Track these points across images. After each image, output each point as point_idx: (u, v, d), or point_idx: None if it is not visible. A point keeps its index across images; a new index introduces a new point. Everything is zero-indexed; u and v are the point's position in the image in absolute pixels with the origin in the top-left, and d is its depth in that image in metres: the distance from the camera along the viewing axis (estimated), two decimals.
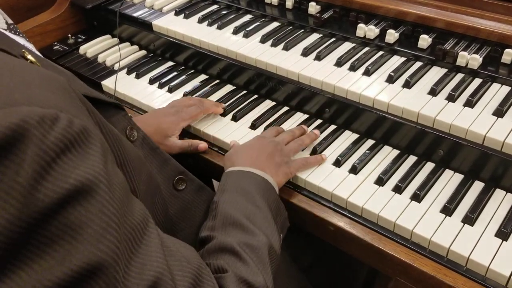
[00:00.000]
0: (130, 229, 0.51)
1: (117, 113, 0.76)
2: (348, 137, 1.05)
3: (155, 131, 1.03)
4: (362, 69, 1.09)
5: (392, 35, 1.14)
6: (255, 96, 1.21)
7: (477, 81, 1.02)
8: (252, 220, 0.76)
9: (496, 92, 0.99)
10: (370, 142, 1.03)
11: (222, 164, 1.04)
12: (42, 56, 0.69)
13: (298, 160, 0.98)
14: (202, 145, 1.08)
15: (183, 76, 1.31)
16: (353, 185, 0.93)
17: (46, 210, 0.44)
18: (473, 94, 0.97)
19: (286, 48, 1.19)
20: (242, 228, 0.74)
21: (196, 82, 1.30)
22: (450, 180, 0.93)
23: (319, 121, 1.11)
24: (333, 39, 1.21)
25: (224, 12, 1.40)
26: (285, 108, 1.16)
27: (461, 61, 1.04)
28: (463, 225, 0.83)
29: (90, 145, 0.49)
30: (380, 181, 0.93)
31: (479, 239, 0.81)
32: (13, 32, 0.69)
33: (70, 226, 0.45)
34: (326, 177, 0.95)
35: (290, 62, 1.15)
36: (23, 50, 0.59)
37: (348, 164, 0.98)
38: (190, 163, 1.11)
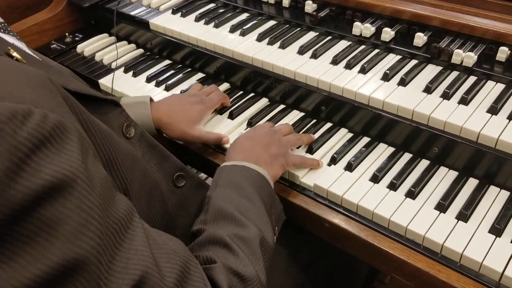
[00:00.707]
0: (113, 223, 0.50)
1: (113, 109, 0.75)
2: (344, 135, 1.06)
3: (183, 117, 1.03)
4: (358, 67, 1.10)
5: (388, 33, 1.15)
6: (252, 94, 1.22)
7: (472, 79, 1.03)
8: (244, 213, 0.76)
9: (491, 90, 1.00)
10: (365, 140, 1.04)
11: (219, 162, 1.05)
12: (32, 54, 0.69)
13: (295, 155, 0.98)
14: (226, 138, 1.07)
15: (180, 75, 1.32)
16: (349, 182, 0.93)
17: (20, 207, 0.43)
18: (467, 92, 0.98)
19: (282, 47, 1.20)
20: (233, 221, 0.74)
21: (193, 80, 1.30)
22: (444, 177, 0.93)
23: (315, 119, 1.11)
24: (329, 38, 1.22)
25: (221, 10, 1.40)
26: (282, 106, 1.17)
27: (456, 59, 1.05)
28: (457, 222, 0.84)
29: (67, 140, 0.48)
30: (375, 178, 0.93)
31: (472, 235, 0.81)
32: (2, 31, 0.69)
33: (46, 223, 0.45)
34: (321, 174, 0.96)
35: (287, 60, 1.15)
36: (8, 48, 0.59)
37: (343, 162, 0.98)
38: (187, 160, 1.12)
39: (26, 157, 0.44)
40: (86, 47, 1.47)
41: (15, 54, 0.59)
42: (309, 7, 1.29)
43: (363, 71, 1.08)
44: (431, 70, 1.07)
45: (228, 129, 1.10)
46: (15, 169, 0.43)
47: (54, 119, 0.48)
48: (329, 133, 1.06)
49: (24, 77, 0.51)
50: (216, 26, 1.32)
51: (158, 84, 1.29)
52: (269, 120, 1.12)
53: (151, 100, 1.05)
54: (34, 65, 0.62)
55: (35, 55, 0.71)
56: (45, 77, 0.55)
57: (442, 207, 0.86)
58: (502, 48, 1.03)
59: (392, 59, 1.12)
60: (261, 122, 1.11)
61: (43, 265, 0.44)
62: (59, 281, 0.45)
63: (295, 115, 1.14)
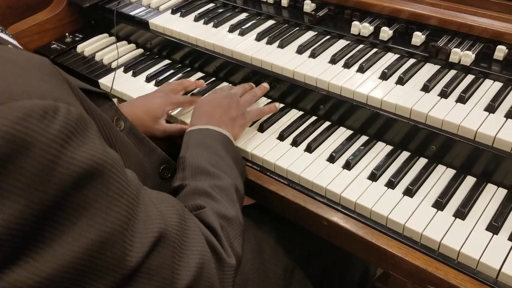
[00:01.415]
0: (131, 194, 0.57)
1: (104, 103, 0.79)
2: (342, 133, 1.06)
3: (145, 112, 1.07)
4: (356, 66, 1.10)
5: (386, 33, 1.15)
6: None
7: (470, 78, 1.03)
8: (217, 167, 0.85)
9: (488, 88, 1.00)
10: (364, 138, 1.04)
11: None
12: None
13: (253, 110, 1.07)
14: (185, 126, 1.11)
15: (180, 74, 1.33)
16: (347, 180, 0.94)
17: (61, 193, 0.49)
18: (465, 90, 0.98)
19: (281, 46, 1.20)
20: (209, 174, 0.83)
21: (192, 80, 1.30)
22: (442, 175, 0.94)
23: (313, 118, 1.12)
24: (327, 37, 1.22)
25: (220, 10, 1.41)
26: (281, 105, 1.17)
27: (454, 57, 1.05)
28: (455, 219, 0.84)
29: (89, 130, 0.53)
30: (373, 177, 0.94)
31: (470, 233, 0.82)
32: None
33: (83, 206, 0.51)
34: (320, 172, 0.96)
35: (285, 59, 1.16)
36: (9, 46, 0.61)
37: (342, 160, 0.99)
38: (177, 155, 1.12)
39: (61, 149, 0.49)
40: (86, 47, 1.48)
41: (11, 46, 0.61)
42: (308, 6, 1.30)
43: (361, 70, 1.09)
44: (429, 69, 1.08)
45: None
46: (53, 160, 0.48)
47: (75, 112, 0.52)
48: (328, 131, 1.07)
49: (35, 69, 0.55)
50: (215, 25, 1.33)
51: (157, 84, 1.30)
52: (268, 119, 1.12)
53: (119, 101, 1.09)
54: None
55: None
56: (50, 64, 0.58)
57: (439, 204, 0.87)
58: (499, 47, 1.03)
59: (390, 58, 1.13)
60: (259, 121, 1.11)
61: (84, 240, 0.51)
62: (99, 251, 0.52)
63: (293, 114, 1.14)
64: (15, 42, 0.71)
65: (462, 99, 0.97)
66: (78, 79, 0.84)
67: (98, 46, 1.49)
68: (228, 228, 0.74)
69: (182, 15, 1.40)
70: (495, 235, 0.81)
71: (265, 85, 1.14)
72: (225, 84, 1.27)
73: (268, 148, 1.04)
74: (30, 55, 0.58)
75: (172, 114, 1.15)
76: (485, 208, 0.86)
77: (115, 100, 1.03)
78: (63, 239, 0.50)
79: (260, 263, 0.98)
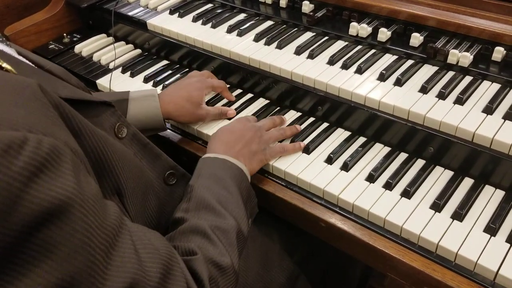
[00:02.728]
0: (105, 236, 0.52)
1: (105, 110, 0.76)
2: (340, 135, 1.06)
3: (187, 101, 1.08)
4: (354, 68, 1.10)
5: (384, 34, 1.15)
6: (249, 94, 1.22)
7: (468, 79, 1.03)
8: (224, 205, 0.80)
9: (486, 90, 1.00)
10: (361, 140, 1.04)
11: None
12: (22, 59, 0.69)
13: (275, 147, 1.01)
14: (231, 111, 1.13)
15: (178, 75, 1.32)
16: (345, 182, 0.94)
17: (20, 233, 0.45)
18: (463, 92, 0.98)
19: (279, 47, 1.20)
20: (214, 211, 0.79)
21: None
22: (440, 176, 0.94)
23: (311, 119, 1.12)
24: (326, 38, 1.22)
25: (219, 11, 1.41)
26: (278, 107, 1.17)
27: (452, 59, 1.05)
28: (452, 221, 0.84)
29: (61, 163, 0.49)
30: (371, 178, 0.94)
31: (467, 234, 0.82)
32: None
33: (44, 246, 0.46)
34: (318, 174, 0.96)
35: (283, 60, 1.15)
36: None
37: (339, 161, 0.99)
38: (184, 160, 1.13)
39: (24, 186, 0.45)
40: (84, 48, 1.48)
41: (4, 64, 0.59)
42: (306, 7, 1.30)
43: (360, 71, 1.08)
44: (427, 70, 1.08)
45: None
46: (13, 199, 0.44)
47: (48, 143, 0.49)
48: (326, 133, 1.07)
49: (14, 94, 0.52)
50: (214, 26, 1.33)
51: (155, 84, 1.29)
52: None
53: None
54: (24, 72, 0.62)
55: (26, 60, 0.71)
56: (36, 86, 0.55)
57: (437, 206, 0.87)
58: (497, 48, 1.03)
59: (388, 59, 1.13)
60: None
61: (41, 286, 0.46)
62: None
63: (292, 115, 1.14)
64: (9, 50, 0.69)
65: (460, 101, 0.97)
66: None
67: (96, 47, 1.49)
68: (219, 278, 0.70)
69: (180, 16, 1.40)
70: (492, 237, 0.81)
71: (298, 127, 1.07)
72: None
73: None
74: (15, 77, 0.56)
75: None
76: (483, 209, 0.86)
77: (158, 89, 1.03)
78: (23, 283, 0.45)
79: (266, 272, 0.97)
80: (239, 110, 1.16)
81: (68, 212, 0.48)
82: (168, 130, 1.16)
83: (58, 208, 0.47)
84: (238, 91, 1.24)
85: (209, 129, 1.11)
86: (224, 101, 1.21)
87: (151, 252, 0.60)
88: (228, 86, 1.26)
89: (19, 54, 0.72)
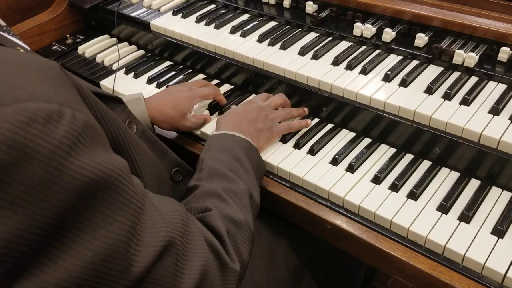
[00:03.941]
0: (137, 203, 0.56)
1: (116, 106, 0.78)
2: (345, 136, 1.06)
3: (173, 109, 1.07)
4: (358, 68, 1.10)
5: (388, 34, 1.14)
6: (253, 95, 1.21)
7: (473, 79, 1.03)
8: (235, 172, 0.84)
9: (492, 90, 1.00)
10: (367, 141, 1.04)
11: None
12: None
13: (282, 124, 1.04)
14: (208, 117, 1.14)
15: (181, 76, 1.32)
16: (350, 183, 0.93)
17: (65, 203, 0.47)
18: (469, 93, 0.98)
19: (283, 48, 1.20)
20: (225, 177, 0.82)
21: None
22: (446, 178, 0.93)
23: (316, 120, 1.11)
24: (330, 38, 1.22)
25: (222, 11, 1.40)
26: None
27: (457, 59, 1.05)
28: (459, 223, 0.84)
29: (95, 138, 0.52)
30: (377, 180, 0.93)
31: (475, 236, 0.81)
32: (6, 33, 0.70)
33: (87, 217, 0.49)
34: (323, 175, 0.96)
35: (287, 61, 1.15)
36: (18, 48, 0.60)
37: (345, 163, 0.98)
38: (188, 161, 1.12)
39: (66, 154, 0.47)
40: (87, 49, 1.48)
41: (22, 51, 0.61)
42: (310, 7, 1.29)
43: (364, 72, 1.08)
44: (432, 71, 1.07)
45: None
46: (59, 167, 0.46)
47: (81, 118, 0.50)
48: (330, 134, 1.06)
49: (42, 72, 0.53)
50: (217, 27, 1.32)
51: (159, 86, 1.29)
52: None
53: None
54: None
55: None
56: (58, 68, 0.57)
57: (444, 208, 0.86)
58: (503, 48, 1.02)
59: (393, 59, 1.12)
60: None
61: (88, 253, 0.49)
62: (101, 264, 0.51)
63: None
64: (24, 45, 0.70)
65: (466, 101, 0.96)
66: None
67: (99, 48, 1.49)
68: (236, 232, 0.73)
69: (184, 16, 1.39)
70: (500, 239, 0.80)
71: (305, 109, 1.10)
72: (227, 86, 1.26)
73: (271, 151, 1.03)
74: (38, 58, 0.57)
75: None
76: (490, 211, 0.86)
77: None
78: (67, 253, 0.48)
79: (273, 268, 0.97)
80: None
81: (106, 183, 0.51)
82: (174, 133, 1.15)
83: (97, 180, 0.49)
84: (242, 92, 1.23)
85: (206, 127, 1.10)
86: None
87: (172, 212, 0.63)
88: (231, 87, 1.26)
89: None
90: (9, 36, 0.68)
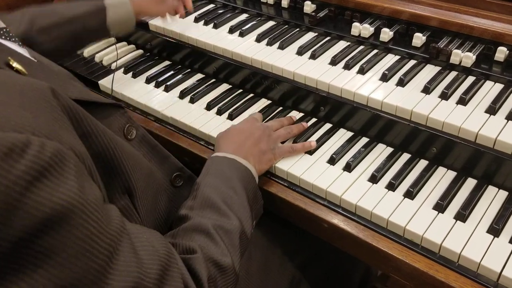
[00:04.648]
0: (107, 242, 0.52)
1: (115, 112, 0.77)
2: (342, 135, 1.06)
3: None
4: (356, 68, 1.10)
5: (386, 34, 1.15)
6: (251, 94, 1.22)
7: (471, 79, 1.03)
8: (229, 205, 0.80)
9: (489, 90, 1.00)
10: (364, 140, 1.04)
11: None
12: (34, 60, 0.69)
13: (284, 146, 1.01)
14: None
15: (180, 75, 1.32)
16: (347, 182, 0.94)
17: (19, 238, 0.44)
18: (466, 92, 0.98)
19: (281, 47, 1.20)
20: (218, 211, 0.78)
21: (192, 81, 1.30)
22: (443, 177, 0.94)
23: (314, 120, 1.12)
24: (328, 38, 1.22)
25: (220, 11, 1.41)
26: (281, 107, 1.17)
27: (454, 59, 1.05)
28: (455, 222, 0.84)
29: (64, 168, 0.49)
30: (374, 179, 0.94)
31: (471, 235, 0.82)
32: (3, 37, 0.69)
33: (44, 253, 0.46)
34: (320, 174, 0.96)
35: (285, 61, 1.15)
36: (9, 58, 0.59)
37: (342, 162, 0.99)
38: (187, 161, 1.12)
39: (24, 190, 0.45)
40: (85, 48, 1.48)
41: (15, 64, 0.59)
42: (308, 7, 1.30)
43: (362, 71, 1.08)
44: (430, 71, 1.07)
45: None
46: (13, 203, 0.44)
47: (51, 147, 0.48)
48: (328, 133, 1.06)
49: (22, 96, 0.52)
50: (216, 26, 1.33)
51: (157, 85, 1.29)
52: (268, 120, 1.12)
53: None
54: (36, 72, 0.62)
55: (36, 60, 0.71)
56: (44, 91, 0.55)
57: (440, 207, 0.86)
58: (500, 48, 1.03)
59: (390, 59, 1.12)
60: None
61: None
62: None
63: (294, 116, 1.14)
64: (22, 51, 0.70)
65: (463, 101, 0.97)
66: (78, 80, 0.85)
67: (98, 47, 1.49)
68: (218, 277, 0.70)
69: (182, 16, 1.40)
70: (496, 238, 0.81)
71: (304, 124, 1.07)
72: (225, 85, 1.27)
73: None
74: (22, 79, 0.55)
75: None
76: (486, 210, 0.86)
77: None
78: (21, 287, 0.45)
79: (267, 276, 0.97)
80: (240, 110, 1.16)
81: (69, 219, 0.48)
82: (171, 131, 1.16)
83: (59, 215, 0.47)
84: (240, 91, 1.24)
85: (210, 129, 1.11)
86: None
87: (150, 253, 0.60)
88: (230, 86, 1.26)
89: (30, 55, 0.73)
90: (5, 42, 0.68)
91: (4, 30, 0.70)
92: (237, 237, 0.76)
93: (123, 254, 0.54)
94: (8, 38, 0.70)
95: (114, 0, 1.18)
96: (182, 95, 1.23)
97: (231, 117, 1.14)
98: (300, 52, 1.17)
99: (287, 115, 1.12)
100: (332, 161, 0.99)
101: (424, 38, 1.12)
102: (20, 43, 0.72)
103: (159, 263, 0.60)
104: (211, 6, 1.45)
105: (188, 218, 0.77)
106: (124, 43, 1.50)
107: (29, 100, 0.52)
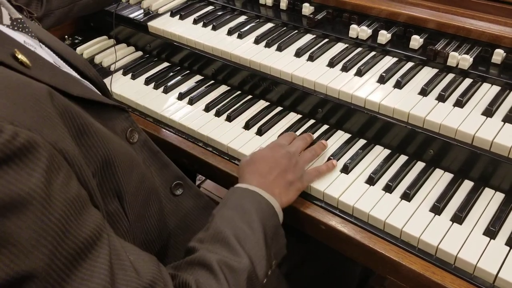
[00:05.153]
0: (73, 243, 0.51)
1: (119, 115, 0.77)
2: (340, 137, 1.07)
3: None
4: (354, 70, 1.10)
5: (384, 36, 1.15)
6: (249, 96, 1.22)
7: (467, 81, 1.03)
8: (241, 242, 0.74)
9: (486, 92, 1.00)
10: (361, 142, 1.04)
11: (216, 164, 1.06)
12: (42, 55, 0.69)
13: (311, 171, 0.95)
14: None
15: (179, 77, 1.33)
16: (345, 184, 0.94)
17: None
18: (463, 94, 0.99)
19: (279, 49, 1.21)
20: (228, 247, 0.73)
21: (191, 82, 1.31)
22: (440, 179, 0.94)
23: (311, 121, 1.12)
24: (326, 40, 1.23)
25: (219, 13, 1.41)
26: (279, 108, 1.17)
27: (451, 61, 1.05)
28: (452, 224, 0.85)
29: (33, 159, 0.49)
30: (371, 181, 0.94)
31: (467, 237, 0.82)
32: (16, 28, 0.68)
33: (2, 236, 0.46)
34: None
35: (284, 62, 1.16)
36: (15, 49, 0.60)
37: (340, 164, 0.99)
38: (185, 162, 1.13)
39: None
40: (85, 50, 1.48)
41: (20, 56, 0.59)
42: (306, 9, 1.30)
43: (360, 73, 1.09)
44: (427, 73, 1.08)
45: (225, 131, 1.11)
46: None
47: (26, 137, 0.49)
48: (326, 135, 1.07)
49: (10, 89, 0.52)
50: (214, 28, 1.33)
51: (156, 86, 1.30)
52: (266, 122, 1.12)
53: None
54: (39, 67, 0.62)
55: (47, 56, 0.71)
56: (43, 89, 0.56)
57: (437, 209, 0.87)
58: (497, 50, 1.03)
59: (388, 61, 1.13)
60: (258, 125, 1.11)
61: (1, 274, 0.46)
62: None
63: (292, 117, 1.14)
64: (32, 42, 0.69)
65: (459, 103, 0.97)
66: None
67: (97, 49, 1.49)
68: None
69: (181, 18, 1.40)
70: (492, 240, 0.81)
71: (324, 142, 1.02)
72: (224, 87, 1.27)
73: None
74: (19, 78, 0.56)
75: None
76: (483, 212, 0.86)
77: None
78: None
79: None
80: (239, 111, 1.17)
81: (25, 209, 0.47)
82: (170, 133, 1.16)
83: (15, 203, 0.47)
84: (238, 92, 1.24)
85: (209, 131, 1.11)
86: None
87: (128, 276, 0.56)
88: (228, 88, 1.27)
89: (41, 42, 0.73)
90: (17, 33, 0.67)
91: (19, 20, 0.69)
92: (244, 277, 0.70)
93: (93, 263, 0.53)
94: (21, 30, 0.69)
95: None
96: (181, 97, 1.24)
97: (229, 119, 1.15)
98: (298, 54, 1.18)
99: (307, 133, 1.06)
100: None
101: (421, 40, 1.12)
102: (33, 34, 0.71)
103: (139, 287, 0.57)
104: (210, 8, 1.45)
105: (195, 251, 0.73)
106: (124, 44, 1.50)
107: (16, 94, 0.52)
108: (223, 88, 1.27)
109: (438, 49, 1.07)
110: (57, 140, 0.54)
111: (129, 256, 0.59)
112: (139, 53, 1.47)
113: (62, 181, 0.52)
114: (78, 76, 0.76)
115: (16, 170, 0.47)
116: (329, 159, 1.00)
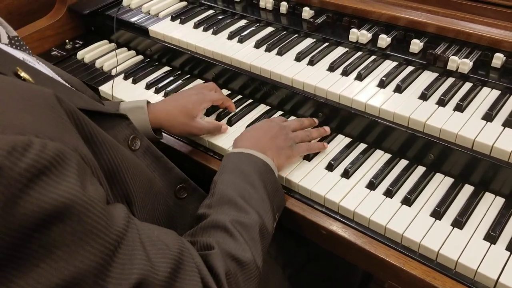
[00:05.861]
0: (111, 237, 0.54)
1: (120, 122, 0.78)
2: (340, 141, 1.07)
3: (180, 112, 1.05)
4: (354, 74, 1.11)
5: (384, 40, 1.15)
6: (250, 100, 1.23)
7: (468, 86, 1.04)
8: (247, 200, 0.80)
9: (486, 96, 1.01)
10: (362, 146, 1.05)
11: (217, 168, 1.06)
12: (43, 70, 0.70)
13: (301, 144, 1.01)
14: (225, 126, 1.13)
15: (180, 81, 1.33)
16: (345, 189, 0.94)
17: (19, 233, 0.46)
18: (463, 99, 0.99)
19: (280, 53, 1.21)
20: (236, 206, 0.78)
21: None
22: (440, 184, 0.94)
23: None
24: (326, 44, 1.23)
25: (220, 17, 1.41)
26: (279, 113, 1.18)
27: (451, 65, 1.06)
28: (453, 229, 0.85)
29: (66, 167, 0.51)
30: (372, 185, 0.94)
31: (468, 242, 0.82)
32: (14, 46, 0.70)
33: (45, 247, 0.48)
34: (318, 181, 0.97)
35: (284, 67, 1.16)
36: (17, 68, 0.60)
37: (340, 168, 0.99)
38: (186, 167, 1.13)
39: (24, 187, 0.46)
40: (86, 54, 1.49)
41: (23, 74, 0.61)
42: (307, 13, 1.30)
43: (360, 77, 1.09)
44: (427, 77, 1.08)
45: (226, 135, 1.11)
46: (12, 199, 0.46)
47: (53, 147, 0.50)
48: (326, 139, 1.07)
49: (25, 100, 0.53)
50: (215, 33, 1.33)
51: (157, 91, 1.30)
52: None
53: (148, 102, 1.06)
54: (42, 82, 0.63)
55: (46, 70, 0.72)
56: (49, 97, 0.57)
57: (437, 214, 0.87)
58: (497, 54, 1.03)
59: (388, 65, 1.13)
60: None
61: (41, 285, 0.47)
62: None
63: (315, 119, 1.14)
64: (31, 59, 0.70)
65: (459, 108, 0.97)
66: None
67: (98, 53, 1.50)
68: (238, 272, 0.70)
69: (182, 22, 1.41)
70: (492, 245, 0.81)
71: (326, 128, 1.07)
72: (224, 91, 1.27)
73: None
74: (27, 85, 0.57)
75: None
76: (483, 217, 0.87)
77: None
78: (23, 281, 0.47)
79: (265, 280, 0.97)
80: (239, 116, 1.17)
81: (71, 214, 0.49)
82: (171, 137, 1.16)
83: (60, 210, 0.48)
84: (239, 97, 1.25)
85: (211, 136, 1.11)
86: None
87: (160, 249, 0.60)
88: (229, 92, 1.27)
89: (38, 63, 0.74)
90: (12, 51, 0.68)
91: (16, 38, 0.71)
92: (256, 231, 0.77)
93: (128, 248, 0.55)
94: (19, 48, 0.71)
95: (128, 104, 1.05)
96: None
97: (230, 123, 1.15)
98: (299, 58, 1.18)
99: (310, 117, 1.11)
100: (330, 167, 0.99)
101: (421, 44, 1.13)
102: (31, 52, 0.72)
103: (172, 258, 0.61)
104: (210, 12, 1.46)
105: (206, 216, 0.78)
106: (125, 48, 1.51)
107: (31, 104, 0.54)
108: (223, 92, 1.27)
109: (438, 53, 1.08)
110: (76, 144, 0.56)
111: (154, 231, 0.63)
112: (140, 57, 1.48)
113: (91, 183, 0.54)
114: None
115: (54, 179, 0.49)
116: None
